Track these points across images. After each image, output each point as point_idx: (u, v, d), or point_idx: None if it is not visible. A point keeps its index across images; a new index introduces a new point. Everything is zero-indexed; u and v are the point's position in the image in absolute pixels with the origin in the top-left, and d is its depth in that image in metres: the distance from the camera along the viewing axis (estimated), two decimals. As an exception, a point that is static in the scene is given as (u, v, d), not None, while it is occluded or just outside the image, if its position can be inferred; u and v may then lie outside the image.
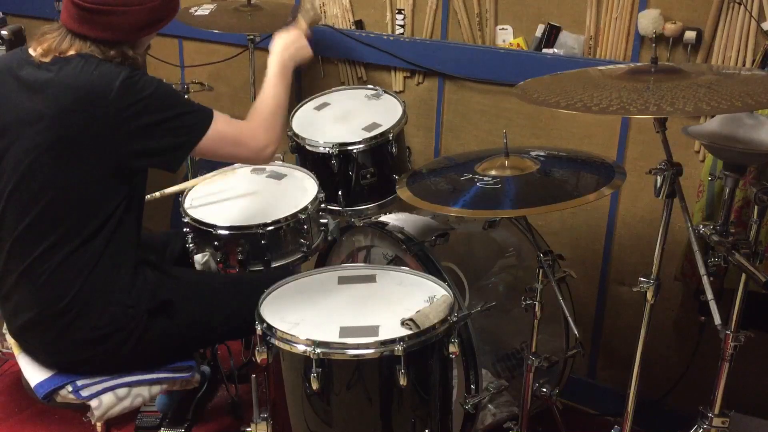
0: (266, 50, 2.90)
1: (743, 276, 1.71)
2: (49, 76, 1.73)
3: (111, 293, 1.82)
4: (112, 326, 1.82)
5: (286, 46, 2.06)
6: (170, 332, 1.91)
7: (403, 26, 2.65)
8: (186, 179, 2.58)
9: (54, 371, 1.89)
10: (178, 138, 1.78)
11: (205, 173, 2.44)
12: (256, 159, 1.94)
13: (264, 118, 1.91)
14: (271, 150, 1.91)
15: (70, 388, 1.86)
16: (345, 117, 2.51)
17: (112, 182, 1.78)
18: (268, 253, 2.12)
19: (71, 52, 1.75)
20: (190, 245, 2.16)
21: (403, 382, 1.65)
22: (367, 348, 1.65)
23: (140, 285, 1.86)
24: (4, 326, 2.00)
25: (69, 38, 1.76)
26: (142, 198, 1.92)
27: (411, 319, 1.71)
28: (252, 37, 2.72)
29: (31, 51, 1.79)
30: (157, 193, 2.34)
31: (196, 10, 2.71)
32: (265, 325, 1.74)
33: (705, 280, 1.55)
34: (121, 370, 1.90)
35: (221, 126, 1.82)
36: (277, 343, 1.72)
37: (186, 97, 1.88)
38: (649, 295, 1.68)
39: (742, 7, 2.04)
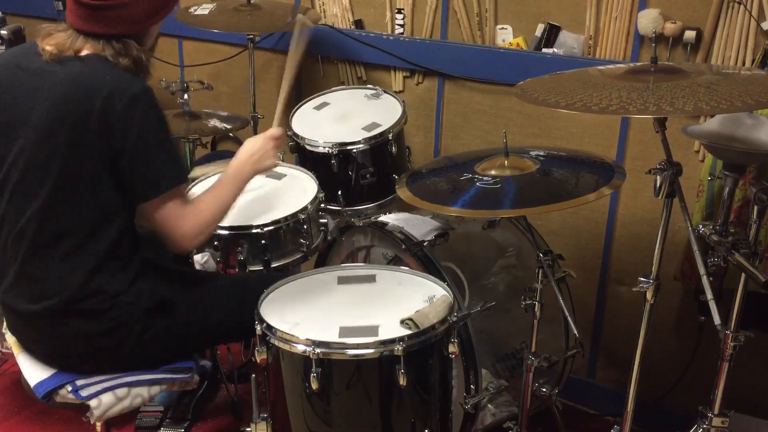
0: (266, 50, 2.94)
1: (743, 276, 1.71)
2: (63, 72, 1.73)
3: (110, 291, 1.81)
4: (111, 324, 1.82)
5: (251, 153, 2.01)
6: (169, 332, 1.90)
7: (402, 26, 2.65)
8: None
9: (54, 371, 1.89)
10: (146, 176, 1.76)
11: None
12: (178, 244, 1.85)
13: (203, 219, 1.87)
14: (193, 246, 1.91)
15: (69, 387, 1.86)
16: (345, 117, 2.51)
17: (107, 183, 1.77)
18: (267, 253, 2.12)
19: (85, 51, 1.75)
20: (190, 245, 2.16)
21: (402, 382, 1.65)
22: (367, 348, 1.65)
23: (139, 284, 1.86)
24: (4, 326, 2.00)
25: (81, 38, 1.76)
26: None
27: (410, 319, 1.71)
28: (252, 36, 2.72)
29: (40, 48, 1.78)
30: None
31: (195, 10, 2.71)
32: (264, 325, 1.74)
33: (705, 280, 1.55)
34: (120, 370, 1.89)
35: (179, 195, 1.80)
36: (276, 343, 1.72)
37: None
38: (648, 295, 1.68)
39: (741, 6, 2.03)
